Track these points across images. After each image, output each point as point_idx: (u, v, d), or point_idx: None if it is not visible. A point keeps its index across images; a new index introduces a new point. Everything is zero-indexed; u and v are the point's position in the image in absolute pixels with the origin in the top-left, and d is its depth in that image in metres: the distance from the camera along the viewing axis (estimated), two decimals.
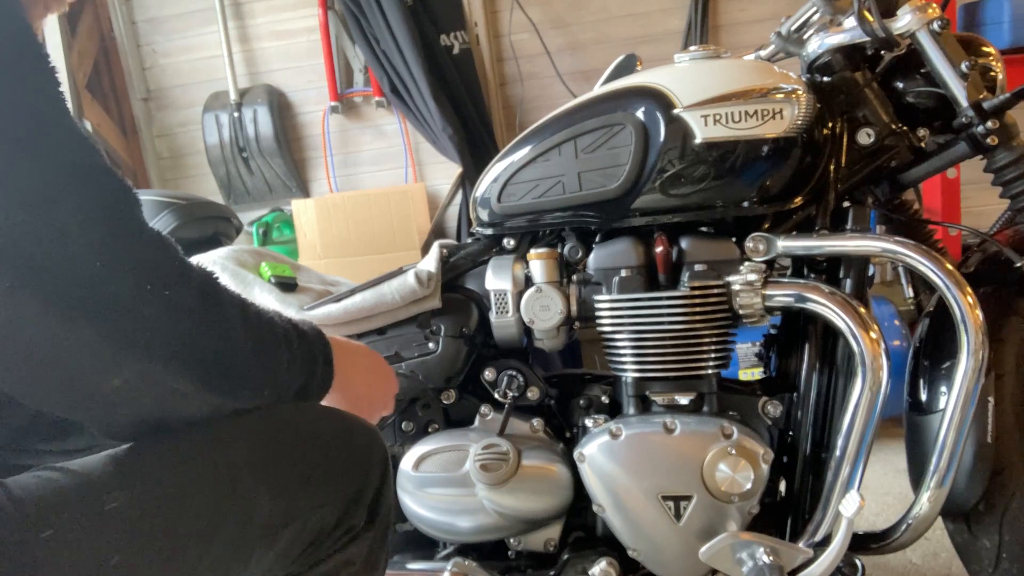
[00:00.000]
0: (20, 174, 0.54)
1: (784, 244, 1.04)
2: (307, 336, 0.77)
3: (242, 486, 0.65)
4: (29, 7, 0.68)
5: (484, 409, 1.21)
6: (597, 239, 1.16)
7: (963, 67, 1.01)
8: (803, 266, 1.13)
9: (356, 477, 0.77)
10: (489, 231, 1.21)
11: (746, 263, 1.05)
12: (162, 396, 0.62)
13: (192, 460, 0.64)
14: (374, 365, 0.93)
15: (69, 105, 0.61)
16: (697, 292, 1.05)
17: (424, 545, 1.26)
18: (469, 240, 1.29)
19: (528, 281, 1.16)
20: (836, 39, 1.06)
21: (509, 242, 1.21)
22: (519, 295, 1.15)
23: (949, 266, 0.98)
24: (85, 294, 0.56)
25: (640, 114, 1.05)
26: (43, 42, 0.70)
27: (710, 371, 1.08)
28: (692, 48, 1.10)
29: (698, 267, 1.06)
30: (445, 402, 1.24)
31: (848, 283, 1.07)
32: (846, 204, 1.10)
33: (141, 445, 0.64)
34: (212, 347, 0.63)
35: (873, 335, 0.99)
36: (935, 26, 1.02)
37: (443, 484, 1.16)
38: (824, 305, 1.01)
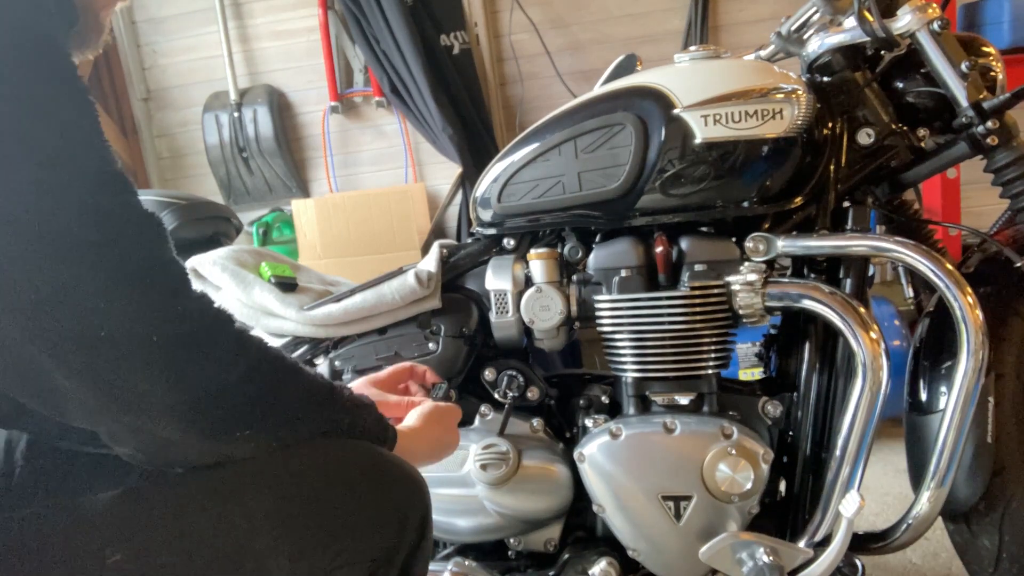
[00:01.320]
0: (20, 204, 0.51)
1: (784, 244, 1.04)
2: (346, 392, 0.72)
3: (257, 543, 0.59)
4: None
5: (484, 409, 1.21)
6: (597, 239, 1.16)
7: (963, 67, 1.01)
8: (803, 266, 1.13)
9: (390, 534, 0.68)
10: (489, 231, 1.21)
11: (746, 263, 1.05)
12: (149, 442, 0.57)
13: (203, 512, 0.59)
14: (446, 430, 0.89)
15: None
16: (697, 292, 1.05)
17: None
18: (469, 240, 1.29)
19: (528, 281, 1.16)
20: (836, 39, 1.06)
21: (509, 242, 1.21)
22: (519, 295, 1.15)
23: (949, 266, 0.98)
24: (75, 331, 0.53)
25: (640, 114, 1.05)
26: (108, 36, 0.66)
27: (710, 371, 1.08)
28: (692, 48, 1.10)
29: (698, 267, 1.06)
30: None
31: (848, 283, 1.07)
32: (846, 204, 1.10)
33: (150, 490, 0.60)
34: (205, 393, 0.57)
35: (873, 335, 0.99)
36: (935, 26, 1.02)
37: (443, 484, 1.16)
38: (824, 305, 1.01)
